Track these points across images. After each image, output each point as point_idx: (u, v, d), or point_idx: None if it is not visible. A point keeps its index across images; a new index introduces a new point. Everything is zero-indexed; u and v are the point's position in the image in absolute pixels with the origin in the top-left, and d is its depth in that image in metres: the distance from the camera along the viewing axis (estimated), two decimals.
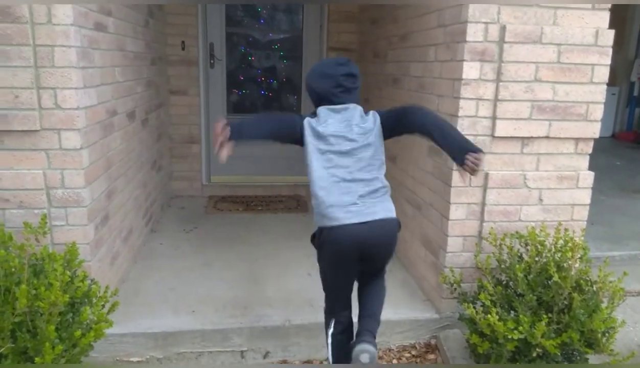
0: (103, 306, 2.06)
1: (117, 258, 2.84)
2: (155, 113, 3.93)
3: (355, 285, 2.18)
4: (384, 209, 2.02)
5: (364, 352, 1.93)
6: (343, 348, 2.12)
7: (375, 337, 2.03)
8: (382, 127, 2.07)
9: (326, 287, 2.17)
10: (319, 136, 2.02)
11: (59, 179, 2.26)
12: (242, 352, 2.54)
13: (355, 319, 2.17)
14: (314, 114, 2.09)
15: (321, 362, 2.58)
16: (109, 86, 2.68)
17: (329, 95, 2.06)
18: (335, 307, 2.18)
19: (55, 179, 2.26)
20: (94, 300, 2.06)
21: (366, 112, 2.11)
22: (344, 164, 1.99)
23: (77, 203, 2.30)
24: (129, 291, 2.82)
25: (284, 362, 2.57)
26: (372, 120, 2.07)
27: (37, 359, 1.73)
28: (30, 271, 1.91)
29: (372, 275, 2.17)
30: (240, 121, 2.05)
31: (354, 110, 2.08)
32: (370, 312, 2.11)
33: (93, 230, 2.42)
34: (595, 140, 2.57)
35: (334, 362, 2.15)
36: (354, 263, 2.03)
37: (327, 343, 2.16)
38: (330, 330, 2.16)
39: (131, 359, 2.46)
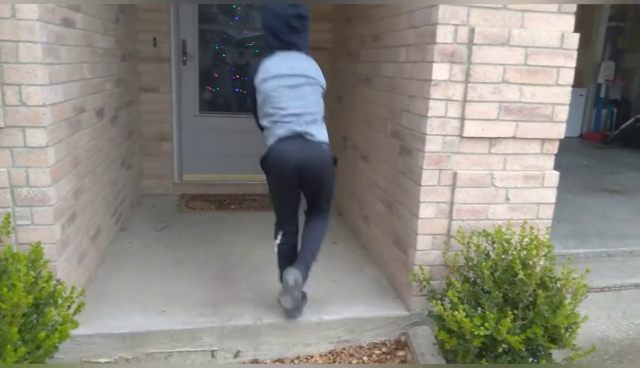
0: (69, 307, 2.03)
1: (84, 258, 2.79)
2: (125, 110, 3.87)
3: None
4: (321, 134, 2.45)
5: (290, 274, 2.40)
6: (285, 256, 2.60)
7: (308, 268, 2.52)
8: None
9: (274, 202, 2.63)
10: (266, 92, 2.40)
11: (23, 177, 2.21)
12: (212, 351, 2.53)
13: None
14: (266, 55, 2.45)
15: (292, 361, 2.58)
16: (77, 83, 2.63)
17: (278, 32, 2.39)
18: (283, 221, 2.62)
19: (19, 178, 2.21)
20: (60, 301, 2.03)
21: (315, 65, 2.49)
22: (290, 98, 2.39)
23: (42, 202, 2.25)
24: (96, 291, 2.77)
25: (255, 361, 2.57)
26: (320, 74, 2.50)
27: None
28: None
29: (314, 208, 2.63)
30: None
31: (302, 58, 2.45)
32: (307, 247, 2.57)
33: (59, 230, 2.37)
34: (563, 140, 2.63)
35: (278, 267, 2.64)
36: (293, 176, 2.44)
37: (275, 252, 2.65)
38: (277, 241, 2.63)
39: (99, 360, 2.42)
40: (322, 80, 2.50)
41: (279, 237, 2.62)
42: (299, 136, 2.38)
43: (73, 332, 2.04)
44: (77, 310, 2.05)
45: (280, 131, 2.39)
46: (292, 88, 2.39)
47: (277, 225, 2.64)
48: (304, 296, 2.67)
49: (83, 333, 2.33)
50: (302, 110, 2.39)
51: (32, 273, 1.87)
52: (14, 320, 1.76)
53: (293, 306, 2.47)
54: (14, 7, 2.03)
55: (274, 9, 2.38)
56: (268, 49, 2.46)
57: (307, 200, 2.63)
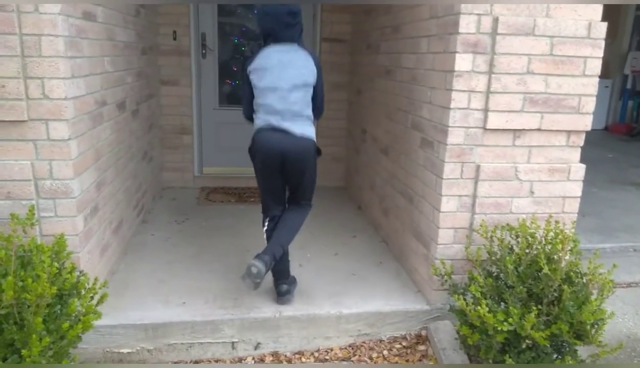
0: (92, 298, 2.05)
1: (107, 250, 2.82)
2: (146, 103, 3.90)
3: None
4: (305, 131, 2.51)
5: (253, 265, 2.40)
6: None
7: (274, 258, 2.52)
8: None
9: (260, 189, 2.74)
10: (258, 80, 2.50)
11: (47, 169, 2.24)
12: (232, 343, 2.54)
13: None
14: (252, 56, 2.57)
15: (312, 354, 2.58)
16: (98, 76, 2.65)
17: (272, 31, 2.51)
18: (268, 207, 2.74)
19: (43, 170, 2.24)
20: (83, 292, 2.04)
21: (309, 52, 2.57)
22: (275, 97, 2.47)
23: (65, 195, 2.27)
24: (119, 282, 2.80)
25: (275, 353, 2.57)
26: (312, 73, 2.53)
27: (23, 351, 1.72)
28: (17, 263, 1.89)
29: (293, 201, 2.74)
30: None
31: (296, 54, 2.53)
32: (277, 238, 2.62)
33: (82, 222, 2.40)
34: (588, 132, 2.57)
35: None
36: (276, 163, 2.52)
37: (264, 237, 2.74)
38: (265, 227, 2.75)
39: (121, 350, 2.45)
40: (311, 77, 2.53)
41: (266, 223, 2.74)
42: (280, 129, 2.48)
43: (96, 323, 2.06)
44: (100, 301, 2.07)
45: (261, 123, 2.52)
46: (278, 89, 2.47)
47: (264, 213, 2.76)
48: (293, 280, 2.80)
49: (106, 324, 2.36)
50: (285, 107, 2.48)
51: (55, 264, 1.89)
52: (38, 311, 1.79)
53: (256, 288, 2.51)
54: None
55: (265, 10, 2.51)
56: (264, 43, 2.59)
57: (288, 190, 2.74)
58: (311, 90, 2.55)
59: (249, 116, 2.64)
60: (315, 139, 2.58)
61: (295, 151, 2.50)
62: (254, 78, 2.51)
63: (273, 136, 2.49)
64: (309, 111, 2.55)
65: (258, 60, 2.52)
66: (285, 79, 2.47)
